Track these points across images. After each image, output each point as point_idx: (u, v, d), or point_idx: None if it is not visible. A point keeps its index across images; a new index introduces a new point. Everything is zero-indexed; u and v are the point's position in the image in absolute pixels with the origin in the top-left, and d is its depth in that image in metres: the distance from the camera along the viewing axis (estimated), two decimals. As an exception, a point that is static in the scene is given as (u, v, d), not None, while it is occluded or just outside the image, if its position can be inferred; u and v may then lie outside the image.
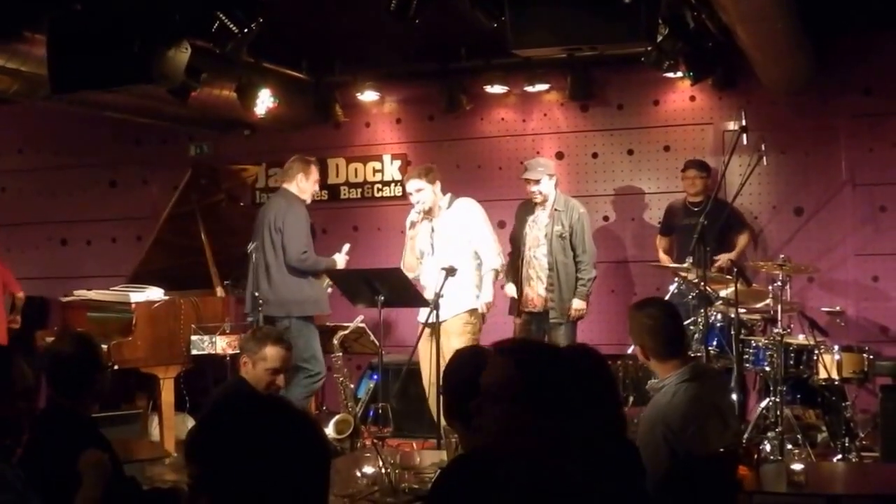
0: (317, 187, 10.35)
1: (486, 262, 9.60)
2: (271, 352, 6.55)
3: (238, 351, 9.50)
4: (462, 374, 4.51)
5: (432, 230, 9.69)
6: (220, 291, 10.33)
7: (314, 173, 10.18)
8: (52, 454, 5.04)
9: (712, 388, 5.62)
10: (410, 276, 9.44)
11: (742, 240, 10.77)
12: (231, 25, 7.76)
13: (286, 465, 2.79)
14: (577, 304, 10.03)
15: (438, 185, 9.70)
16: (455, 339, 9.19)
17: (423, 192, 9.61)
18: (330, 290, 10.08)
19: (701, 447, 5.20)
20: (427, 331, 9.14)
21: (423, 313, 9.21)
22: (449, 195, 9.78)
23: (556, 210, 10.12)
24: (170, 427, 9.82)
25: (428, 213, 9.66)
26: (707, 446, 5.23)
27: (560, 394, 3.60)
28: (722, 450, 5.33)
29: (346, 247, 10.14)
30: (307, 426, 2.89)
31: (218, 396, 6.99)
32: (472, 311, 9.55)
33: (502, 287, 10.25)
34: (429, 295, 9.04)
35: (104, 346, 8.86)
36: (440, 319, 8.83)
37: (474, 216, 9.70)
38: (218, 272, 10.38)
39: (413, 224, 9.71)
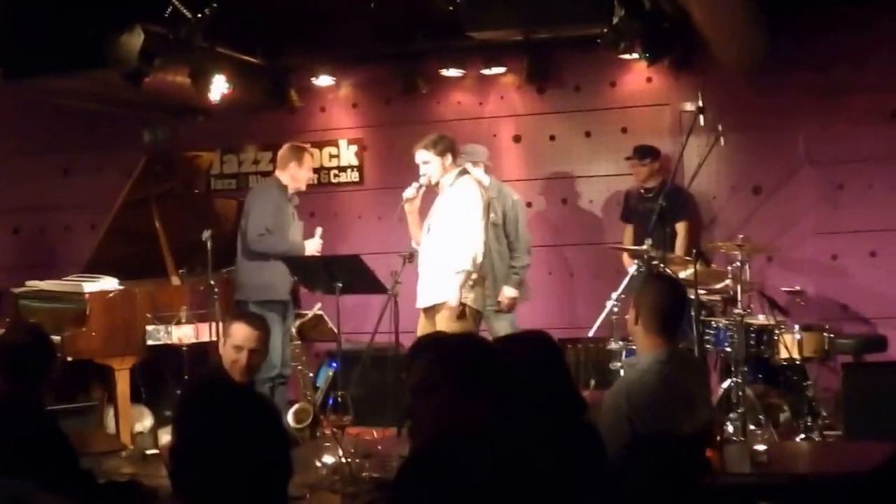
0: (311, 173, 10.38)
1: (458, 262, 8.96)
2: (235, 328, 6.63)
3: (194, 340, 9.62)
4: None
5: (434, 206, 9.28)
6: (175, 280, 10.22)
7: (308, 160, 10.19)
8: (8, 443, 5.02)
9: (686, 376, 5.59)
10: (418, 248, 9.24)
11: (681, 228, 10.72)
12: (184, 10, 7.70)
13: (245, 454, 2.79)
14: (509, 291, 9.95)
15: (449, 157, 9.18)
16: (449, 324, 8.85)
17: (429, 164, 9.13)
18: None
19: (663, 429, 5.15)
20: (422, 316, 9.04)
21: (419, 298, 9.06)
22: (458, 170, 9.29)
23: (490, 197, 9.95)
24: (126, 419, 9.70)
25: (434, 187, 9.22)
26: (671, 429, 5.19)
27: (485, 376, 3.63)
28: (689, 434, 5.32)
29: (319, 231, 9.97)
30: (265, 415, 2.89)
31: (191, 382, 7.01)
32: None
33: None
34: (420, 271, 8.99)
35: (58, 337, 8.83)
36: (431, 303, 8.86)
37: (465, 201, 9.12)
38: (173, 260, 10.27)
39: (408, 199, 9.17)
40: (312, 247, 9.90)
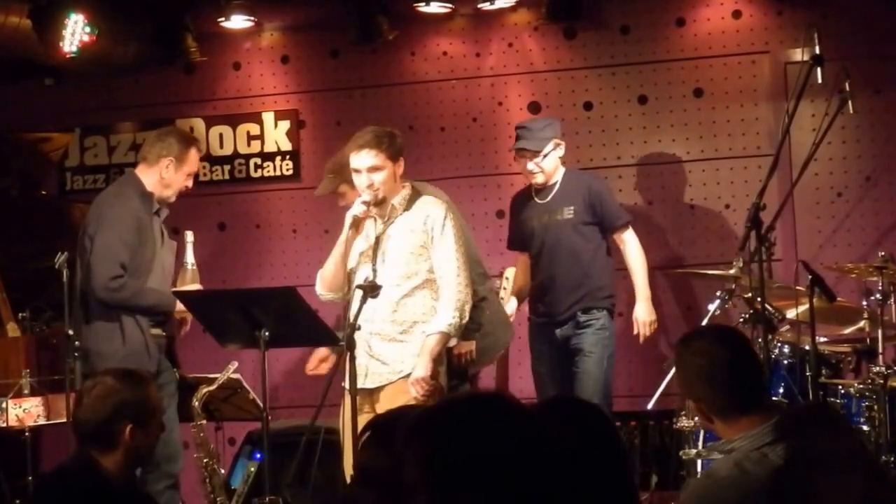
0: (189, 182, 10.03)
1: (436, 319, 9.04)
2: None
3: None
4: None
5: (377, 239, 9.25)
6: (12, 329, 10.23)
7: (190, 162, 9.89)
8: None
9: (825, 441, 5.38)
10: (329, 297, 9.30)
11: (628, 239, 10.54)
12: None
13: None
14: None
15: (402, 165, 9.20)
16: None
17: (380, 172, 9.02)
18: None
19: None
20: (348, 399, 8.93)
21: (366, 374, 8.99)
22: (409, 187, 9.31)
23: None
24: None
25: (379, 205, 9.17)
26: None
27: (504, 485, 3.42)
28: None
29: (189, 235, 9.90)
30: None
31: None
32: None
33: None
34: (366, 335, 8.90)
35: None
36: (372, 385, 8.86)
37: (441, 234, 9.13)
38: (9, 299, 10.31)
39: (357, 221, 9.12)
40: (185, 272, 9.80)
